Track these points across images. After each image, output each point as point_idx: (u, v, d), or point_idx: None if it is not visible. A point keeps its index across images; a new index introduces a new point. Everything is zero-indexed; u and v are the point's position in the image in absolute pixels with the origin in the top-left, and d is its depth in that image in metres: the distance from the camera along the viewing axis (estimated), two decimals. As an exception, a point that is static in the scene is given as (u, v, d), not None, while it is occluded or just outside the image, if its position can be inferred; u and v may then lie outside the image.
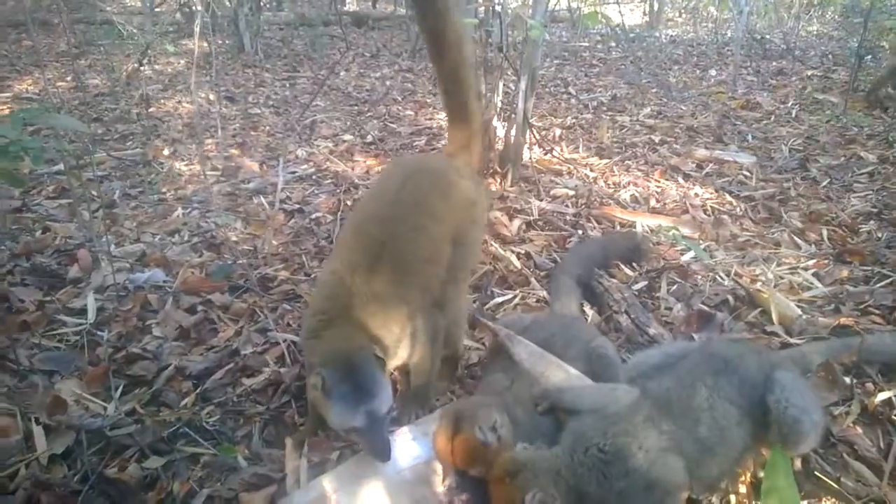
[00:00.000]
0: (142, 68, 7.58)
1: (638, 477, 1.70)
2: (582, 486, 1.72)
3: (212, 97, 6.81)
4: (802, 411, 1.75)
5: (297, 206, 4.19)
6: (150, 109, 6.42)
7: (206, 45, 7.46)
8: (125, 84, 7.28)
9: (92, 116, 6.12)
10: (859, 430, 2.15)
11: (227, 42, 9.59)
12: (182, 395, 2.44)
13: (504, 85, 4.53)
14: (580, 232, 3.71)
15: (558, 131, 5.71)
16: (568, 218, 3.90)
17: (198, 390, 2.46)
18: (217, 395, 2.43)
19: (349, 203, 4.18)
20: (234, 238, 3.71)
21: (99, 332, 2.76)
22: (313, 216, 4.01)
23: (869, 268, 3.23)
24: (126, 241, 3.68)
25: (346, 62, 9.21)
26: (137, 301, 2.99)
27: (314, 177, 4.79)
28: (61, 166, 4.42)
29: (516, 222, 3.82)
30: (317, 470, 2.07)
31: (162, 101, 6.86)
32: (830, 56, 9.50)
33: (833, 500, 1.88)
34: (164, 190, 4.52)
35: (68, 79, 7.56)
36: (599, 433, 1.77)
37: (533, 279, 3.22)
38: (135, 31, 8.10)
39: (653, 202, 4.19)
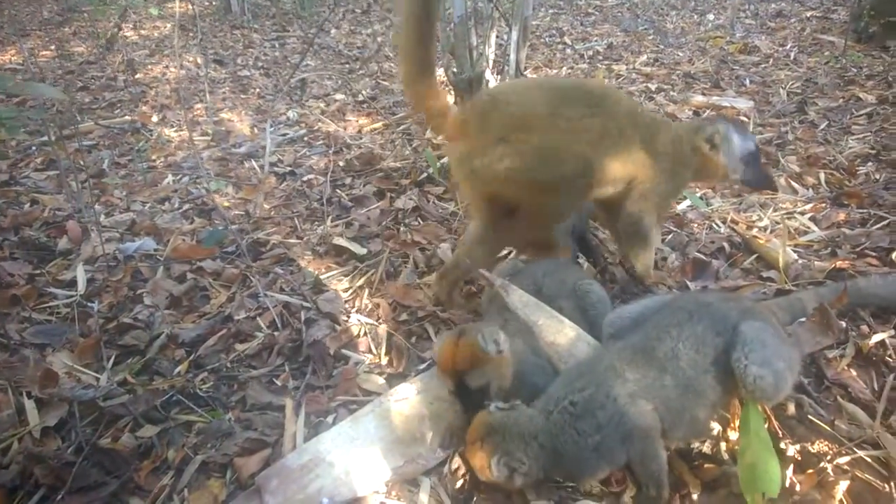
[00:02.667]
0: (121, 32, 7.45)
1: (612, 429, 1.71)
2: (558, 447, 1.74)
3: (199, 61, 6.70)
4: (763, 365, 1.71)
5: (289, 168, 4.15)
6: (137, 76, 6.34)
7: (191, 7, 7.35)
8: (104, 49, 7.15)
9: (78, 85, 6.04)
10: (853, 372, 2.14)
11: (213, 3, 9.43)
12: (175, 362, 2.43)
13: (497, 36, 4.44)
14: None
15: (553, 83, 5.61)
16: (562, 170, 3.84)
17: (191, 357, 2.44)
18: (210, 362, 2.42)
19: (342, 164, 4.13)
20: (225, 203, 3.68)
21: (90, 304, 2.74)
22: (305, 178, 3.97)
23: (866, 210, 3.18)
24: (116, 211, 3.66)
25: (336, 19, 9.05)
26: (128, 271, 2.97)
27: (306, 138, 4.73)
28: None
29: (510, 177, 3.76)
30: (312, 432, 2.07)
31: (149, 66, 6.76)
32: (831, -5, 9.29)
33: (827, 443, 1.88)
34: (153, 157, 4.48)
35: (52, 47, 7.45)
36: (569, 389, 1.80)
37: (527, 234, 3.18)
38: (119, -6, 7.97)
39: (648, 151, 4.12)
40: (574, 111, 2.29)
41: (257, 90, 6.00)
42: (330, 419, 2.14)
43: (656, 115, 2.53)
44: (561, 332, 2.08)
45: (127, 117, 5.23)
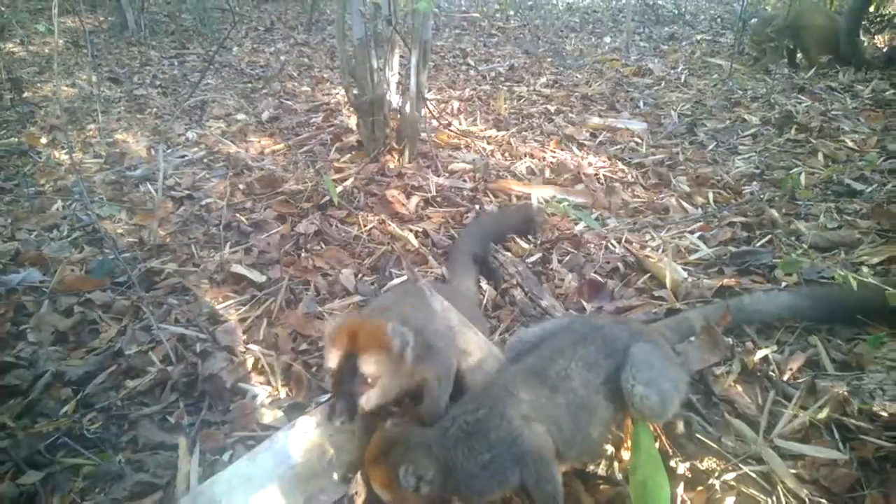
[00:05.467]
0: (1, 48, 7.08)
1: (503, 449, 1.75)
2: (449, 462, 1.76)
3: (93, 78, 6.43)
4: (649, 385, 1.80)
5: (187, 192, 4.03)
6: (25, 94, 6.03)
7: (82, 22, 7.07)
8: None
9: (-43, 105, 5.70)
10: (740, 388, 2.24)
11: (109, 19, 9.08)
12: (61, 402, 2.31)
13: (402, 58, 4.46)
14: (477, 207, 3.70)
15: (456, 104, 5.69)
16: (465, 193, 3.89)
17: (78, 397, 2.33)
18: (99, 401, 2.32)
19: (242, 187, 4.04)
20: (118, 230, 3.54)
21: (-34, 343, 2.58)
22: (203, 202, 3.86)
23: (751, 229, 3.35)
24: (-1, 240, 3.46)
25: (239, 37, 8.89)
26: (10, 305, 2.81)
27: (205, 160, 4.61)
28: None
29: (414, 200, 3.78)
30: (208, 471, 2.01)
31: (38, 84, 6.45)
32: (719, 20, 9.81)
33: (714, 460, 1.96)
34: (41, 181, 4.28)
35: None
36: (465, 409, 1.84)
37: (430, 257, 3.20)
38: (1, 8, 7.57)
39: (548, 173, 4.23)
40: None
41: (154, 110, 5.81)
42: (226, 457, 2.09)
43: None
44: (475, 344, 2.12)
45: (13, 139, 4.97)
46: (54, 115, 5.51)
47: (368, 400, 1.87)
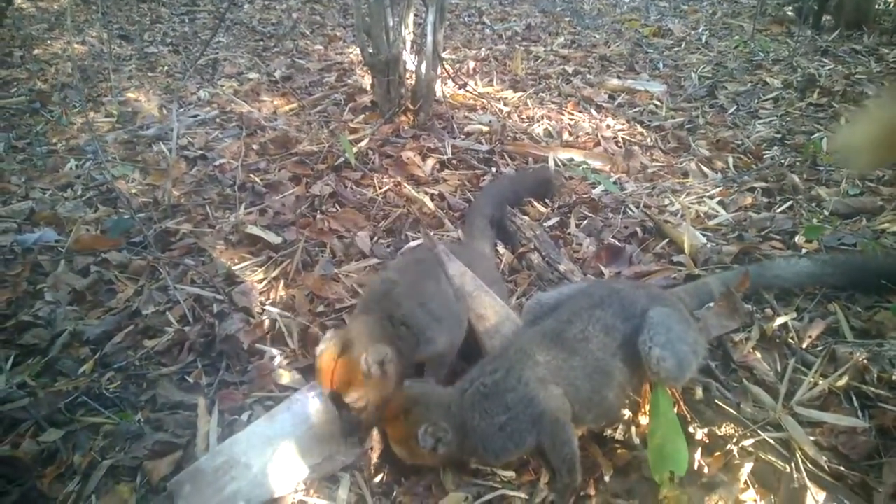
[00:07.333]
0: (10, 6, 6.99)
1: (520, 411, 1.77)
2: (466, 422, 1.79)
3: (103, 36, 6.36)
4: (665, 348, 1.79)
5: (200, 152, 3.99)
6: (35, 52, 5.97)
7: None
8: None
9: (-33, 62, 5.67)
10: (758, 354, 2.23)
11: (119, -25, 8.96)
12: (79, 362, 2.32)
13: (416, 16, 4.38)
14: (494, 169, 3.66)
15: (472, 64, 5.59)
16: (482, 155, 3.84)
17: (96, 356, 2.34)
18: (117, 360, 2.32)
19: (255, 147, 4.00)
20: (132, 190, 3.52)
21: (-15, 302, 2.59)
22: (217, 163, 3.82)
23: (772, 194, 3.30)
24: (13, 199, 3.45)
25: (250, -6, 8.74)
26: (27, 264, 2.82)
27: (218, 119, 4.57)
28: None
29: (430, 162, 3.74)
30: (227, 431, 2.02)
31: (48, 41, 6.38)
32: (740, -21, 9.56)
33: (733, 425, 1.95)
34: (54, 140, 4.25)
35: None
36: (482, 371, 1.86)
37: (447, 221, 3.17)
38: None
39: (566, 135, 4.17)
40: None
41: (166, 68, 5.75)
42: (245, 417, 2.10)
43: None
44: (491, 308, 2.13)
45: (24, 97, 4.93)
46: (65, 73, 5.47)
47: (366, 419, 1.94)
